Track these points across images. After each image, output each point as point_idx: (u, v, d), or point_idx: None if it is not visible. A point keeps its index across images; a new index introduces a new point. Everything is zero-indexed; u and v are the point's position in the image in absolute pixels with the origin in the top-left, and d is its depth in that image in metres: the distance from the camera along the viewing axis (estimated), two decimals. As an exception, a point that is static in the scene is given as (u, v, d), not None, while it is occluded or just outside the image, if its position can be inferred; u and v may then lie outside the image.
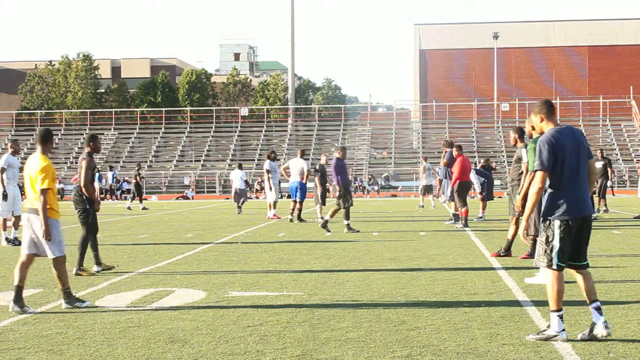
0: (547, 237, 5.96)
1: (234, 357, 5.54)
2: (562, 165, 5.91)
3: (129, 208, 29.86)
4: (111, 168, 47.43)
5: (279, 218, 21.38)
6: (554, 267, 5.92)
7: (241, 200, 25.29)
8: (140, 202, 30.71)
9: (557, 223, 5.91)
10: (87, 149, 10.16)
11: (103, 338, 6.20)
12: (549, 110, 6.12)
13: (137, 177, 30.85)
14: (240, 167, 26.28)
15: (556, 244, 5.91)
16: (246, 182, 26.19)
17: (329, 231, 16.17)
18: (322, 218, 19.66)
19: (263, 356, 5.56)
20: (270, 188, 21.77)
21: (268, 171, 21.84)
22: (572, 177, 5.94)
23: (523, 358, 5.42)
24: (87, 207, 10.00)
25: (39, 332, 6.45)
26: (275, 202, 21.85)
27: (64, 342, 6.07)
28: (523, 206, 9.38)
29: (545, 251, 5.95)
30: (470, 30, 72.27)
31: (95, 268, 10.10)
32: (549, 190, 5.98)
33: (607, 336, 5.81)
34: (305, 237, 15.39)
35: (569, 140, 5.96)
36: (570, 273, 6.10)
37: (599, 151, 24.55)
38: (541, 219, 6.02)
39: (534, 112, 6.21)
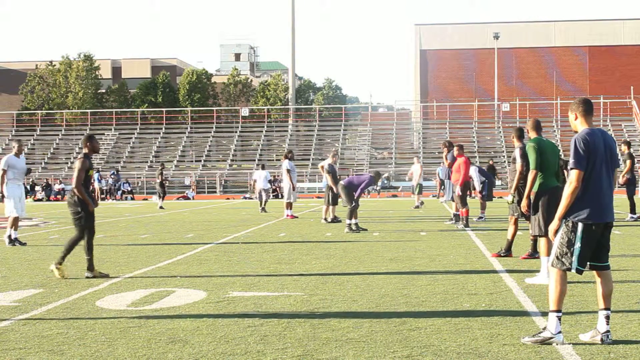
0: (570, 239, 5.83)
1: (234, 357, 5.54)
2: (591, 168, 5.83)
3: (160, 207, 30.37)
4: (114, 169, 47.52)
5: (296, 217, 22.02)
6: (573, 270, 5.82)
7: (264, 199, 26.42)
8: (161, 200, 31.40)
9: (580, 226, 5.81)
10: (84, 150, 10.09)
11: (104, 338, 6.20)
12: (585, 109, 6.00)
13: (162, 177, 31.28)
14: (263, 167, 27.38)
15: (578, 247, 5.81)
16: (270, 181, 26.75)
17: (362, 230, 16.67)
18: (325, 219, 19.78)
19: (264, 356, 5.56)
20: (294, 188, 22.29)
21: (289, 171, 22.25)
22: (599, 182, 5.86)
23: (524, 358, 5.42)
24: (80, 209, 9.76)
25: (40, 332, 6.45)
26: (290, 203, 22.34)
27: (64, 342, 6.07)
28: (527, 205, 9.36)
29: (566, 254, 5.84)
30: (471, 30, 72.27)
31: (86, 274, 9.71)
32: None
33: (599, 343, 5.78)
34: (306, 238, 15.40)
35: (600, 144, 5.89)
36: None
37: None
38: (563, 220, 5.89)
39: (570, 108, 6.08)
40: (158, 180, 31.62)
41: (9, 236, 14.48)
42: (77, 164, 9.86)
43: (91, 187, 10.37)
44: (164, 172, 32.47)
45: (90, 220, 9.84)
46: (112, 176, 47.30)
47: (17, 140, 15.10)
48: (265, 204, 26.41)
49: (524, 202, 9.18)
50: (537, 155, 9.06)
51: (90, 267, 9.76)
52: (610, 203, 5.97)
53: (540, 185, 9.17)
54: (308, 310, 7.28)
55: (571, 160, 5.84)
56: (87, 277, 9.63)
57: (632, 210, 19.22)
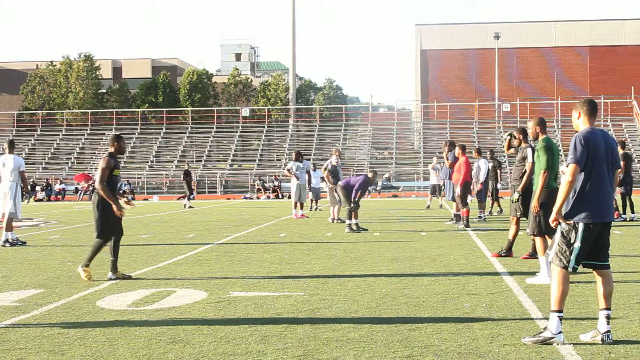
0: (570, 238, 5.88)
1: (235, 357, 5.54)
2: (591, 167, 5.86)
3: (190, 207, 30.97)
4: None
5: (306, 217, 22.12)
6: (570, 269, 5.87)
7: (316, 198, 26.82)
8: (188, 200, 31.79)
9: (581, 226, 5.84)
10: (110, 149, 9.75)
11: (104, 338, 6.20)
12: (589, 109, 6.05)
13: (187, 177, 31.72)
14: (314, 167, 27.30)
15: (577, 246, 5.85)
16: (322, 179, 26.79)
17: (362, 230, 16.66)
18: (333, 220, 19.77)
19: (264, 356, 5.56)
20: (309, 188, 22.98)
21: (289, 171, 22.45)
22: (599, 181, 5.89)
23: (524, 358, 5.42)
24: (102, 210, 9.46)
25: (41, 332, 6.45)
26: (300, 203, 22.41)
27: (65, 343, 6.07)
28: (538, 206, 9.26)
29: (565, 252, 5.88)
30: (472, 30, 72.27)
31: (109, 275, 9.51)
32: (575, 191, 5.90)
33: (600, 343, 5.79)
34: (307, 238, 15.40)
35: (601, 144, 5.92)
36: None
37: (488, 152, 23.11)
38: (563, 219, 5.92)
39: (575, 107, 6.15)
40: (184, 181, 32.07)
41: (7, 239, 14.34)
42: (101, 163, 9.54)
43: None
44: (190, 173, 32.95)
45: (113, 221, 9.49)
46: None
47: (8, 140, 15.05)
48: (317, 203, 26.87)
49: (535, 203, 9.11)
50: (549, 155, 9.04)
51: (114, 269, 9.55)
52: (611, 203, 5.99)
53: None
54: (309, 310, 7.29)
55: (570, 156, 5.87)
56: (110, 279, 9.44)
57: (632, 209, 19.24)
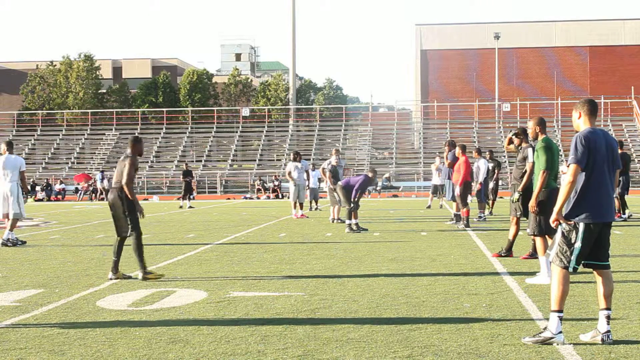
0: (570, 239, 5.89)
1: (235, 357, 5.54)
2: (592, 167, 5.87)
3: (190, 207, 30.95)
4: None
5: (306, 217, 22.12)
6: (570, 269, 5.87)
7: (315, 198, 26.76)
8: (188, 200, 31.69)
9: (582, 226, 5.85)
10: (129, 150, 9.74)
11: (104, 338, 6.20)
12: (589, 109, 6.06)
13: (186, 177, 31.90)
14: (313, 167, 27.48)
15: (578, 246, 5.86)
16: (319, 179, 26.68)
17: (362, 230, 16.68)
18: (333, 220, 19.75)
19: (264, 356, 5.56)
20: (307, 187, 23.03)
21: (290, 173, 22.43)
22: (600, 181, 5.89)
23: (524, 358, 5.42)
24: (126, 209, 9.52)
25: (40, 332, 6.45)
26: (299, 203, 22.39)
27: (65, 342, 6.07)
28: (536, 205, 9.26)
29: (565, 252, 5.89)
30: (472, 30, 72.26)
31: (110, 275, 9.53)
32: (575, 191, 5.90)
33: (600, 343, 5.79)
34: (307, 238, 15.40)
35: (602, 144, 5.92)
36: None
37: (487, 152, 22.92)
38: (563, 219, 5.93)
39: (575, 107, 6.16)
40: (184, 181, 32.24)
41: (7, 239, 14.34)
42: (127, 161, 9.47)
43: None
44: (191, 172, 32.96)
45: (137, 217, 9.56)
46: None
47: (6, 141, 15.05)
48: (317, 203, 26.83)
49: (532, 202, 9.11)
50: (548, 155, 9.05)
51: (115, 269, 9.54)
52: (612, 203, 5.99)
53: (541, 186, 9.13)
54: (309, 310, 7.29)
55: (571, 157, 5.88)
56: (110, 279, 9.44)
57: (622, 210, 19.24)
